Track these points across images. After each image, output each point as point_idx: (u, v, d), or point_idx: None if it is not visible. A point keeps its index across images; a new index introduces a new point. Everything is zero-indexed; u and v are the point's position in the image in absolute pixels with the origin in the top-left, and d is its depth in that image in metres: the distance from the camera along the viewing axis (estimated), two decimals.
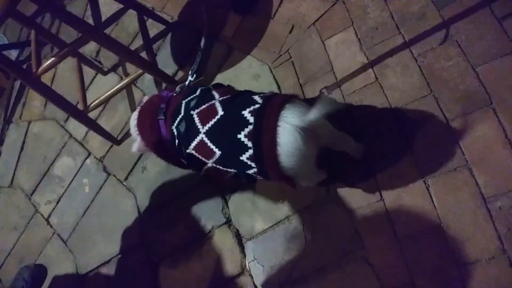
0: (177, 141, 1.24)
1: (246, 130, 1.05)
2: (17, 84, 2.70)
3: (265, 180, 1.15)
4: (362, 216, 1.37)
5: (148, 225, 1.79)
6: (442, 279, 1.21)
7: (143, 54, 1.96)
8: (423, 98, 1.39)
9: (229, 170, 1.19)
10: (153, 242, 1.75)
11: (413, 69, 1.44)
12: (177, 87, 1.37)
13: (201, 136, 1.15)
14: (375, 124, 1.44)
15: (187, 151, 1.21)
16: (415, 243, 1.27)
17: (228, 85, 1.35)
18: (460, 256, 1.20)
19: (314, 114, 1.01)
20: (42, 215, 2.15)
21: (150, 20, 2.05)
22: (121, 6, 1.81)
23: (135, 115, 1.37)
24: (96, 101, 1.76)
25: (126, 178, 1.94)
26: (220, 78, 1.85)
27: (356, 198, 1.40)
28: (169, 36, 2.10)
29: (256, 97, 1.11)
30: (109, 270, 1.81)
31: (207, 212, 1.66)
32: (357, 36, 1.59)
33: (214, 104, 1.17)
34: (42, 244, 2.07)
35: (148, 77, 2.06)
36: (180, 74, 1.98)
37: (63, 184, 2.14)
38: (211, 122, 1.13)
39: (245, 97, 1.15)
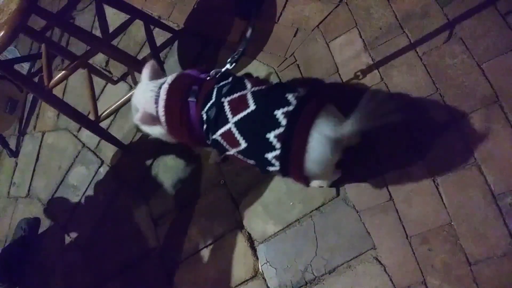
0: (205, 125, 1.24)
1: (277, 131, 1.06)
2: (31, 96, 2.76)
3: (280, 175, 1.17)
4: (372, 216, 1.38)
5: (162, 231, 1.81)
6: (454, 277, 1.21)
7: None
8: (429, 96, 1.39)
9: (249, 161, 1.20)
10: (168, 248, 1.78)
11: (419, 68, 1.44)
12: (212, 71, 1.32)
13: (230, 125, 1.15)
14: (384, 125, 1.44)
15: (213, 136, 1.22)
16: (426, 242, 1.27)
17: (257, 77, 1.34)
18: (472, 254, 1.21)
19: (349, 127, 1.02)
20: (58, 223, 2.19)
21: (157, 29, 2.08)
22: (128, 16, 1.85)
23: (164, 92, 1.29)
24: (107, 111, 1.79)
25: (138, 185, 1.97)
26: None
27: (366, 199, 1.40)
28: (176, 44, 2.12)
29: (290, 97, 1.11)
30: (125, 276, 1.85)
31: (218, 217, 1.68)
32: (361, 37, 1.59)
33: (246, 95, 1.17)
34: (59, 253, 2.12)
35: None
36: None
37: (78, 193, 2.18)
38: (242, 114, 1.13)
39: (278, 95, 1.14)
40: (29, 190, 2.42)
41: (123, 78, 2.27)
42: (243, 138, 1.14)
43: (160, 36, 2.15)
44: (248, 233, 1.60)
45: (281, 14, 1.84)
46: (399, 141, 1.40)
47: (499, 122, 1.27)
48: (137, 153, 2.05)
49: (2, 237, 2.38)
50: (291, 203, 1.53)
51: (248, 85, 1.21)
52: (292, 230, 1.51)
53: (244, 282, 1.54)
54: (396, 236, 1.32)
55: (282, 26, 1.81)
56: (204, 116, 1.22)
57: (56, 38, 2.70)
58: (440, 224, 1.27)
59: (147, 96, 1.31)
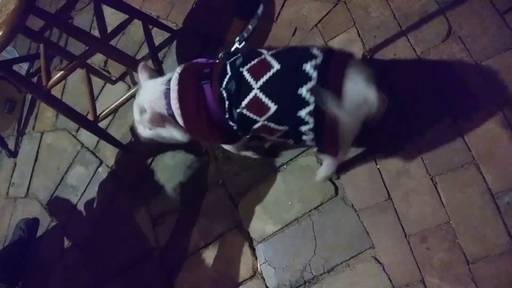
0: (227, 102, 1.17)
1: (309, 85, 1.02)
2: (29, 96, 2.76)
3: (313, 141, 1.12)
4: (371, 216, 1.38)
5: (161, 231, 1.82)
6: (453, 276, 1.21)
7: (150, 63, 1.99)
8: (427, 95, 1.39)
9: (280, 128, 1.14)
10: (167, 248, 1.78)
11: (417, 67, 1.44)
12: (220, 54, 1.28)
13: (255, 91, 1.09)
14: (382, 123, 1.44)
15: (238, 110, 1.15)
16: (424, 241, 1.27)
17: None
18: (470, 252, 1.21)
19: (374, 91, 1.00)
20: (57, 223, 2.19)
21: (155, 29, 2.08)
22: (127, 16, 1.85)
23: (174, 81, 1.22)
24: (106, 111, 1.79)
25: (137, 185, 1.97)
26: None
27: (365, 198, 1.41)
28: (174, 43, 2.12)
29: (315, 51, 1.07)
30: (125, 276, 1.85)
31: (218, 217, 1.68)
32: (359, 35, 1.59)
33: (265, 58, 1.12)
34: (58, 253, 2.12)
35: None
36: None
37: (77, 193, 2.18)
38: (266, 76, 1.08)
39: (302, 50, 1.10)
40: (28, 191, 2.42)
41: (121, 78, 2.27)
42: (272, 101, 1.08)
43: (159, 36, 2.15)
44: (247, 232, 1.60)
45: (279, 13, 1.84)
46: (397, 141, 1.40)
47: (497, 121, 1.27)
48: (136, 153, 2.04)
49: (1, 238, 2.38)
50: (290, 203, 1.53)
51: (263, 51, 1.16)
52: (291, 229, 1.51)
53: (243, 281, 1.54)
54: (395, 235, 1.32)
55: (280, 26, 1.81)
56: (224, 93, 1.16)
57: (55, 38, 2.70)
58: (439, 223, 1.27)
59: (155, 92, 1.26)
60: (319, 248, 1.43)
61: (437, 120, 1.35)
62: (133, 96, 1.81)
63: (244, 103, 1.12)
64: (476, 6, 1.41)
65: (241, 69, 1.14)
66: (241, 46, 1.29)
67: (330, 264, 1.40)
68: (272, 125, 1.14)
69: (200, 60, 1.31)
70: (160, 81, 1.28)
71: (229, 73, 1.16)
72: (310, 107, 1.03)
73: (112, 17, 2.08)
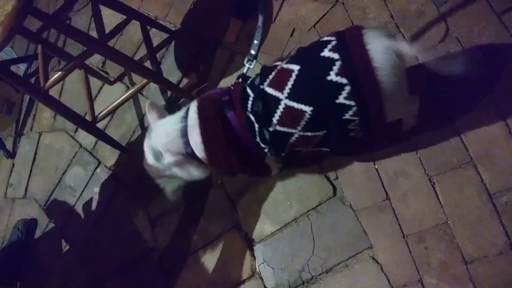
0: (256, 125, 1.14)
1: (335, 68, 0.99)
2: (27, 97, 2.76)
3: (359, 127, 1.08)
4: (369, 216, 1.38)
5: (160, 232, 1.81)
6: (450, 276, 1.21)
7: (148, 63, 1.99)
8: (425, 96, 1.39)
9: (317, 134, 1.10)
10: (165, 248, 1.77)
11: (414, 68, 1.44)
12: (236, 79, 1.26)
13: (284, 102, 1.06)
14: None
15: (270, 129, 1.12)
16: (422, 241, 1.28)
17: None
18: (468, 252, 1.21)
19: (404, 44, 1.00)
20: (55, 224, 2.19)
21: (153, 30, 2.08)
22: (125, 17, 1.85)
23: (193, 117, 1.17)
24: (104, 112, 1.79)
25: (136, 186, 1.97)
26: (224, 83, 1.87)
27: (362, 198, 1.41)
28: (172, 44, 2.12)
29: (324, 38, 1.06)
30: (123, 277, 1.84)
31: (216, 217, 1.68)
32: None
33: (281, 67, 1.09)
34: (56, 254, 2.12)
35: (154, 86, 2.09)
36: (185, 81, 2.01)
37: (75, 194, 2.18)
38: (290, 82, 1.05)
39: (313, 44, 1.09)
40: (26, 191, 2.42)
41: (119, 78, 2.27)
42: (305, 103, 1.04)
43: (157, 37, 2.15)
44: (245, 232, 1.60)
45: (277, 14, 1.84)
46: (395, 141, 1.40)
47: (495, 121, 1.27)
48: (134, 153, 2.04)
49: None
50: (288, 203, 1.53)
51: (276, 63, 1.14)
52: (289, 229, 1.51)
53: (241, 282, 1.54)
54: (393, 235, 1.32)
55: (278, 26, 1.81)
56: (251, 116, 1.13)
57: (53, 39, 2.69)
58: (436, 223, 1.27)
59: (170, 133, 1.21)
60: (317, 248, 1.43)
61: (435, 121, 1.35)
62: (131, 97, 1.82)
63: (275, 119, 1.10)
64: (474, 7, 1.41)
65: (261, 86, 1.11)
66: (253, 66, 1.26)
67: (328, 264, 1.40)
68: (309, 134, 1.11)
69: (212, 91, 1.26)
70: (173, 120, 1.23)
71: (251, 94, 1.13)
72: (347, 89, 0.99)
73: (110, 18, 2.08)
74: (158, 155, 1.24)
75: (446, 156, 1.31)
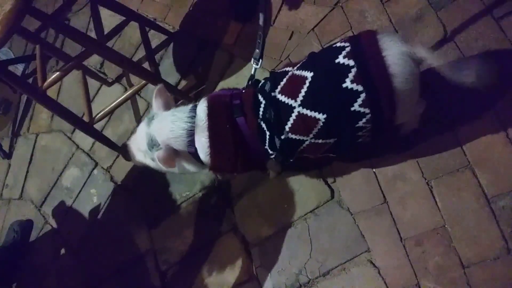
0: (268, 133, 1.12)
1: (351, 75, 0.98)
2: (24, 97, 2.74)
3: (371, 136, 1.10)
4: (367, 219, 1.38)
5: (156, 233, 1.81)
6: (448, 280, 1.21)
7: (146, 65, 1.99)
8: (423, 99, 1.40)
9: (328, 141, 1.10)
10: (162, 250, 1.77)
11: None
12: (247, 82, 1.24)
13: (297, 110, 1.05)
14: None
15: (282, 137, 1.11)
16: (420, 245, 1.28)
17: None
18: (465, 256, 1.21)
19: (419, 47, 0.99)
20: (51, 226, 2.18)
21: (152, 31, 2.08)
22: (123, 18, 1.84)
23: (203, 119, 1.14)
24: (102, 113, 1.78)
25: (132, 187, 1.96)
26: (222, 86, 1.87)
27: (360, 201, 1.41)
28: (171, 45, 2.12)
29: (337, 44, 1.05)
30: (120, 279, 1.83)
31: (213, 219, 1.67)
32: None
33: (293, 73, 1.08)
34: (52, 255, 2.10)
35: (152, 87, 2.07)
36: (183, 83, 2.01)
37: (71, 195, 2.17)
38: (304, 89, 1.03)
39: (327, 50, 1.08)
40: (22, 192, 2.40)
41: (118, 80, 2.26)
42: (319, 111, 1.02)
43: (156, 38, 2.15)
44: (242, 235, 1.59)
45: (276, 17, 1.84)
46: (393, 145, 1.40)
47: (493, 126, 1.28)
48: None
49: None
50: (286, 206, 1.53)
51: (287, 68, 1.13)
52: (287, 232, 1.50)
53: (239, 285, 1.54)
54: (390, 238, 1.32)
55: (277, 29, 1.82)
56: (263, 125, 1.11)
57: (51, 39, 2.69)
58: (434, 227, 1.27)
59: (176, 130, 1.16)
60: (314, 251, 1.43)
61: (433, 124, 1.35)
62: (129, 98, 1.82)
63: (288, 127, 1.08)
64: (471, 12, 1.42)
65: (273, 93, 1.10)
66: (259, 66, 1.26)
67: (326, 268, 1.40)
68: (320, 141, 1.10)
69: (222, 91, 1.25)
70: (182, 116, 1.17)
71: (263, 101, 1.12)
72: (362, 96, 0.98)
73: (109, 19, 2.08)
74: (153, 145, 1.19)
75: (444, 160, 1.32)
